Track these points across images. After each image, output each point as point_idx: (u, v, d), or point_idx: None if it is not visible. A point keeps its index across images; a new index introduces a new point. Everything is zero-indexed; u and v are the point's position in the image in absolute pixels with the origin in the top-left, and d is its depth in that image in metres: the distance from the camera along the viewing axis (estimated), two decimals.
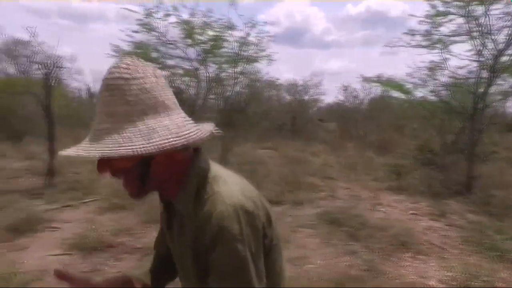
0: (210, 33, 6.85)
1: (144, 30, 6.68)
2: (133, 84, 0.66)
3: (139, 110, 0.65)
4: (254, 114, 8.86)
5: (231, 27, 6.65)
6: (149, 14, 6.43)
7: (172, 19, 6.76)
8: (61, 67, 5.94)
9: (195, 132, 0.69)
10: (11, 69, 14.98)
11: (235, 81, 7.14)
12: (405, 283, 2.99)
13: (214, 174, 0.75)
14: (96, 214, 4.67)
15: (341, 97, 17.28)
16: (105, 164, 0.68)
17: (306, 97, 16.99)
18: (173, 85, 7.20)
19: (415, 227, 4.45)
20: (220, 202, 0.68)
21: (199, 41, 6.72)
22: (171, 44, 6.93)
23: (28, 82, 12.95)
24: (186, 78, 7.19)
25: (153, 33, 6.73)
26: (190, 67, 7.01)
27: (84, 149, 0.64)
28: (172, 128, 0.66)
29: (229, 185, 0.72)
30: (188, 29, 6.68)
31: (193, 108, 7.04)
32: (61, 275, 0.78)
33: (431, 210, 5.30)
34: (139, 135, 0.64)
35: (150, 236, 3.81)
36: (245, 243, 0.67)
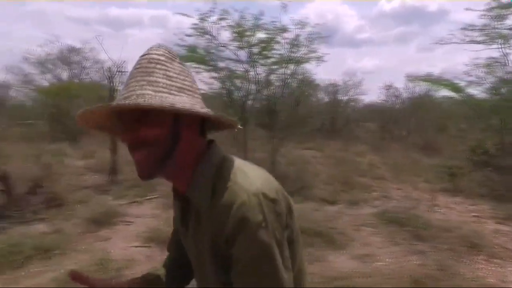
0: (261, 35, 7.01)
1: (198, 33, 6.96)
2: (174, 64, 0.72)
3: (177, 87, 0.69)
4: (299, 115, 8.91)
5: (282, 29, 6.77)
6: (203, 18, 6.70)
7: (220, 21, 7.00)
8: (123, 71, 6.34)
9: (228, 117, 0.73)
10: (64, 75, 16.04)
11: (285, 82, 7.24)
12: (485, 285, 2.95)
13: (231, 165, 0.74)
14: (161, 210, 4.94)
15: (382, 97, 16.92)
16: (135, 130, 0.67)
17: (345, 98, 16.81)
18: (224, 86, 7.42)
19: (483, 230, 4.33)
20: (240, 191, 0.67)
21: (250, 43, 6.89)
22: (223, 46, 7.17)
23: (87, 86, 13.81)
24: (236, 80, 7.39)
25: (206, 36, 6.99)
26: (241, 69, 7.21)
27: (131, 101, 0.63)
28: (203, 107, 0.71)
29: (248, 175, 0.71)
30: (240, 32, 6.88)
31: (243, 109, 7.23)
32: (77, 277, 0.76)
33: (495, 213, 5.12)
34: (179, 101, 0.67)
35: None
36: (269, 230, 0.65)
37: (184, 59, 7.39)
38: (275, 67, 7.16)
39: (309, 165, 7.98)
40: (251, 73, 7.35)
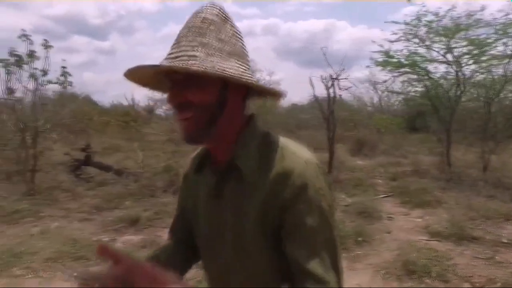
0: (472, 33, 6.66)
1: (406, 38, 7.03)
2: (226, 26, 0.69)
3: (228, 50, 0.67)
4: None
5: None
6: (416, 24, 6.75)
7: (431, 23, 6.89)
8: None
9: (272, 87, 0.74)
10: None
11: (505, 81, 6.68)
12: None
13: (277, 136, 0.74)
14: (408, 209, 5.13)
15: None
16: (183, 91, 0.66)
17: None
18: (428, 89, 7.29)
19: None
20: (298, 159, 0.67)
21: (470, 40, 6.62)
22: (429, 48, 7.07)
23: None
24: (443, 81, 7.19)
25: (414, 40, 7.01)
26: (451, 72, 6.99)
27: (183, 65, 0.61)
28: (251, 74, 0.69)
29: (297, 145, 0.72)
30: (451, 32, 6.68)
31: (452, 111, 6.96)
32: (105, 250, 0.63)
33: None
34: (230, 68, 0.64)
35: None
36: (326, 198, 0.67)
37: (380, 64, 7.56)
38: (495, 62, 6.66)
39: None
40: (455, 74, 7.07)
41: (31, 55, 5.28)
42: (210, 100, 0.66)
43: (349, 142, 10.68)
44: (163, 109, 18.17)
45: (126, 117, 12.97)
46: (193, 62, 0.61)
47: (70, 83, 5.51)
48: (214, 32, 0.66)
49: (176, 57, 0.63)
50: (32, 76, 5.29)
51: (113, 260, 0.57)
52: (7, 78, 5.31)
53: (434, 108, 7.32)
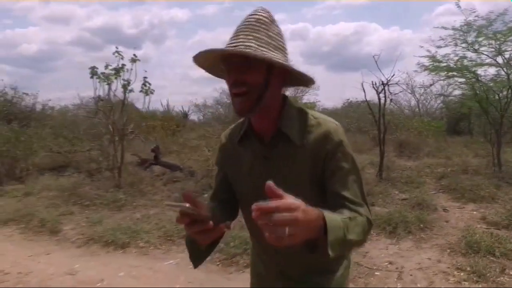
0: None
1: (454, 42, 7.35)
2: (274, 26, 0.88)
3: (274, 45, 0.86)
4: None
5: None
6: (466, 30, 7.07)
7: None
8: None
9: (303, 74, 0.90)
10: None
11: None
12: None
13: (306, 109, 0.96)
14: (461, 203, 5.49)
15: None
16: (242, 73, 0.83)
17: None
18: (478, 93, 7.51)
19: None
20: (330, 123, 0.92)
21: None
22: (478, 52, 7.34)
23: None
24: (493, 84, 7.41)
25: (462, 45, 7.31)
26: (502, 74, 7.21)
27: (242, 50, 0.80)
28: (293, 65, 0.88)
29: (324, 115, 0.96)
30: (502, 35, 6.92)
31: (504, 112, 7.18)
32: (189, 198, 0.72)
33: None
34: (277, 58, 0.83)
35: None
36: (351, 150, 0.92)
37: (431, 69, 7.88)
38: None
39: None
40: (505, 76, 7.27)
41: (122, 68, 6.17)
42: (259, 80, 0.84)
43: (392, 144, 10.95)
44: (199, 114, 19.10)
45: (171, 122, 13.99)
46: (249, 50, 0.80)
47: (153, 91, 6.35)
48: (265, 30, 0.85)
49: (236, 46, 0.81)
50: (124, 86, 6.18)
51: (194, 205, 0.68)
52: (103, 87, 6.24)
53: (484, 111, 7.54)
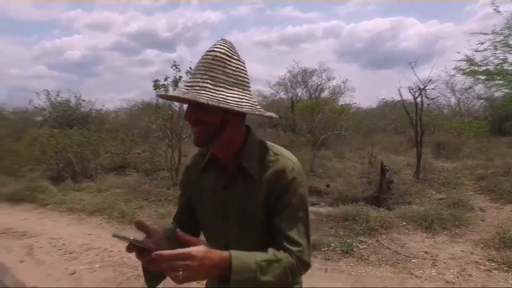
0: None
1: (494, 46, 7.46)
2: (232, 62, 0.90)
3: (232, 81, 0.88)
4: None
5: None
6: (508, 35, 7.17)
7: None
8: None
9: (264, 111, 0.95)
10: (300, 93, 19.39)
11: None
12: None
13: (268, 144, 1.00)
14: (499, 204, 5.70)
15: None
16: (195, 113, 0.88)
17: None
18: None
19: None
20: (288, 161, 0.95)
21: None
22: None
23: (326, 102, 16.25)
24: None
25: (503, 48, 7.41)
26: None
27: (193, 96, 0.83)
28: (251, 101, 0.92)
29: (285, 150, 0.99)
30: None
31: None
32: (141, 226, 0.86)
33: None
34: (231, 98, 0.87)
35: None
36: (305, 189, 0.96)
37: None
38: None
39: None
40: None
41: (179, 79, 6.99)
42: (214, 121, 0.89)
43: (430, 145, 11.01)
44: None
45: None
46: (203, 92, 0.84)
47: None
48: (222, 67, 0.88)
49: (191, 86, 0.86)
50: None
51: (146, 233, 0.85)
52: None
53: None
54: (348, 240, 4.18)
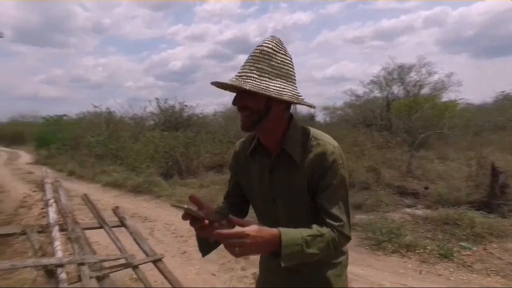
0: None
1: None
2: (278, 55, 0.98)
3: (276, 73, 0.97)
4: None
5: None
6: None
7: None
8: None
9: (305, 101, 1.02)
10: (396, 91, 18.14)
11: None
12: None
13: (310, 129, 1.07)
14: None
15: None
16: (241, 99, 0.98)
17: None
18: None
19: None
20: (328, 145, 1.02)
21: None
22: None
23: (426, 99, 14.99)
24: None
25: None
26: None
27: (238, 83, 0.93)
28: (294, 92, 0.99)
29: (325, 135, 1.07)
30: None
31: None
32: (194, 199, 0.95)
33: None
34: (273, 87, 0.95)
35: None
36: (345, 170, 1.04)
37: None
38: None
39: None
40: None
41: None
42: (259, 107, 0.97)
43: None
44: (326, 116, 19.52)
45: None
46: (248, 80, 0.94)
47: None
48: (267, 60, 0.97)
49: (240, 76, 0.96)
50: None
51: (199, 208, 0.94)
52: None
53: None
54: (448, 245, 3.92)
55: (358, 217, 5.21)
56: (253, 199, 1.18)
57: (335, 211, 0.99)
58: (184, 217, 0.91)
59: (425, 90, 17.22)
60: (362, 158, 7.83)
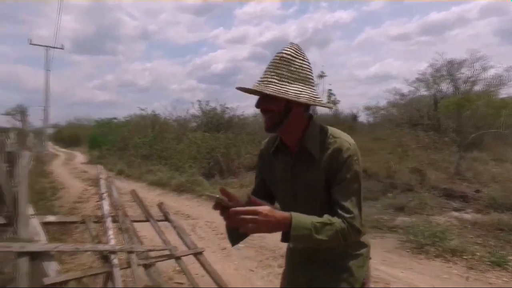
0: None
1: None
2: (296, 61, 1.07)
3: (295, 77, 1.06)
4: None
5: None
6: None
7: None
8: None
9: (323, 101, 1.15)
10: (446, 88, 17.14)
11: None
12: None
13: (328, 128, 1.15)
14: None
15: None
16: (263, 103, 1.08)
17: None
18: None
19: None
20: (344, 142, 1.10)
21: None
22: None
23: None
24: None
25: None
26: None
27: (260, 88, 1.04)
28: (311, 94, 1.07)
29: (342, 133, 1.15)
30: None
31: None
32: (225, 192, 0.99)
33: None
34: (292, 91, 1.04)
35: None
36: (360, 166, 1.10)
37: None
38: None
39: None
40: None
41: None
42: (279, 109, 1.06)
43: None
44: (369, 116, 18.87)
45: (342, 126, 14.64)
46: (270, 86, 1.03)
47: (338, 101, 7.28)
48: (286, 65, 1.05)
49: (262, 81, 1.05)
50: None
51: (228, 199, 0.97)
52: None
53: None
54: (502, 252, 3.68)
55: (400, 219, 5.06)
56: (277, 195, 1.26)
57: (347, 204, 1.05)
58: (215, 207, 0.98)
59: (479, 87, 16.07)
60: (406, 159, 7.55)
